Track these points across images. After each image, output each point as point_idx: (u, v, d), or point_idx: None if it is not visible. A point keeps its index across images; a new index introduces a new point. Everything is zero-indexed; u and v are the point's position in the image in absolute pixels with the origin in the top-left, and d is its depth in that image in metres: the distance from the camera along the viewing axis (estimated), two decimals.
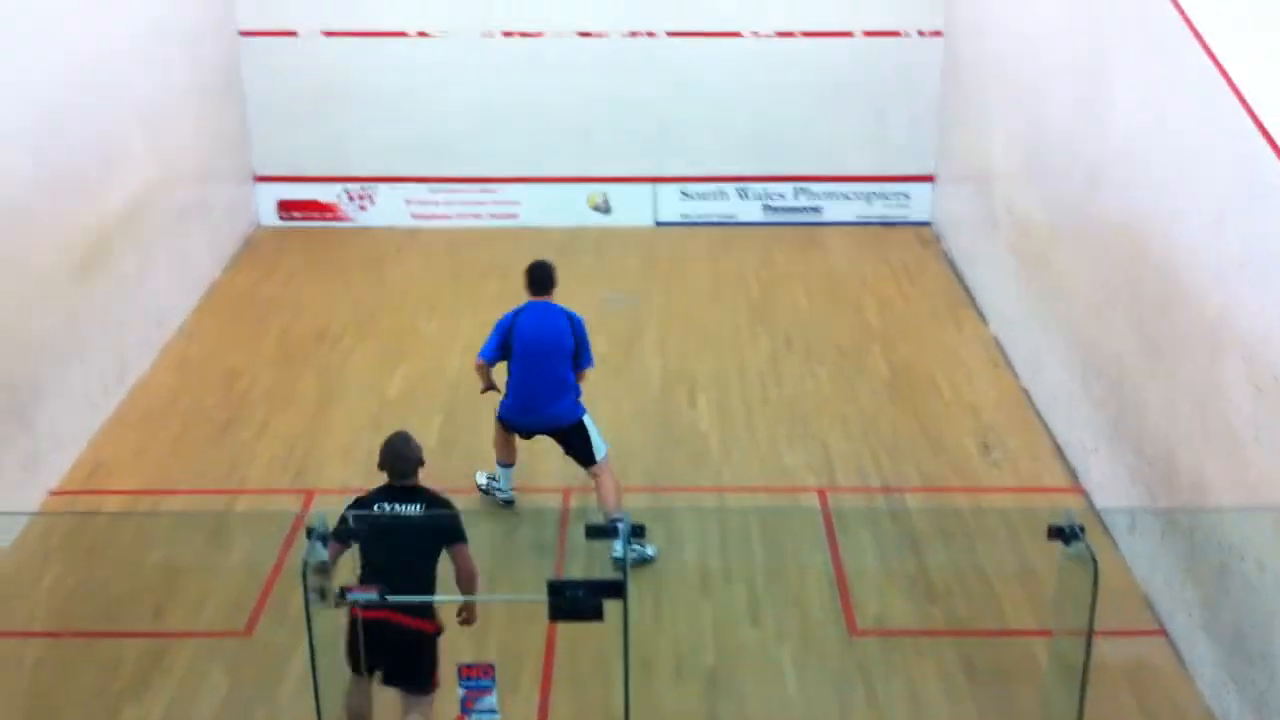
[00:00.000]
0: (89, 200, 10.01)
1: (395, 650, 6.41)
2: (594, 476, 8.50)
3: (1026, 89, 10.80)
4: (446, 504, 6.72)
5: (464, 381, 10.71)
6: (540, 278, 8.56)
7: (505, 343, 8.41)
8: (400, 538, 6.47)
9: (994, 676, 7.33)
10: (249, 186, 13.99)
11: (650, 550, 8.30)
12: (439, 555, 6.56)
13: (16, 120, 8.87)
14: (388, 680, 6.54)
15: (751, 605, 7.96)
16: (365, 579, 6.34)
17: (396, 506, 6.53)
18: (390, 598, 6.10)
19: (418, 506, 6.54)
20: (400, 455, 6.63)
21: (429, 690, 6.57)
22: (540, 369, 8.37)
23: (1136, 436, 8.20)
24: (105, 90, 10.28)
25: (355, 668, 6.45)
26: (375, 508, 6.51)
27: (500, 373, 8.60)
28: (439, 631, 6.57)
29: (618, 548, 7.21)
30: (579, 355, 8.46)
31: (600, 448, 8.47)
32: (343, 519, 6.34)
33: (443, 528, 6.54)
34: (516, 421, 8.59)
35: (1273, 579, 6.39)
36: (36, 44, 9.13)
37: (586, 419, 8.50)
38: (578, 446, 8.48)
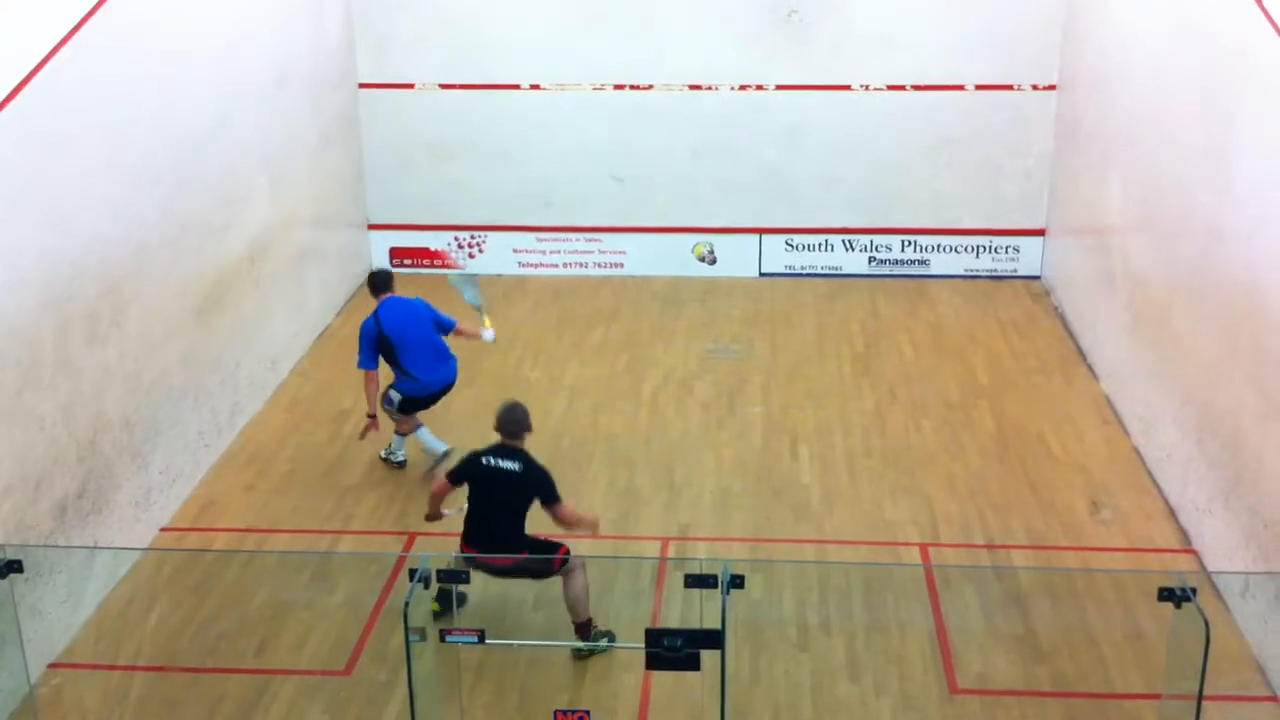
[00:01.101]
0: (211, 244, 10.30)
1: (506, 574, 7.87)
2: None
3: (1144, 142, 10.64)
4: (544, 467, 7.82)
5: (566, 431, 10.80)
6: (382, 280, 10.14)
7: (379, 345, 9.76)
8: (502, 488, 7.69)
9: None
10: (363, 233, 14.29)
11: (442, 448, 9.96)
12: (529, 507, 7.73)
13: (146, 167, 9.17)
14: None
15: (850, 661, 7.85)
16: (469, 517, 7.78)
17: (499, 461, 7.72)
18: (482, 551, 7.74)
19: (516, 464, 7.69)
20: (510, 418, 7.84)
21: (557, 570, 7.77)
22: (417, 347, 9.81)
23: (1252, 498, 7.97)
24: (230, 138, 10.60)
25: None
26: (483, 460, 7.74)
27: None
28: (530, 551, 7.76)
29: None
30: (442, 321, 9.98)
31: None
32: (460, 463, 7.91)
33: (535, 486, 7.71)
34: (423, 394, 9.95)
35: None
36: (166, 92, 9.44)
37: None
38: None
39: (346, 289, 13.72)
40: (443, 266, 14.41)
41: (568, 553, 7.78)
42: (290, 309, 11.99)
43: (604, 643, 7.86)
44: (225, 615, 8.30)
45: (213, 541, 9.21)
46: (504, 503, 7.71)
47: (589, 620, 7.84)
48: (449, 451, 9.95)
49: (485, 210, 14.25)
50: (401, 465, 10.21)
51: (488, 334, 10.36)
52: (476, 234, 14.34)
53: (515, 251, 14.35)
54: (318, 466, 10.21)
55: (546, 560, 7.73)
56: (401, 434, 10.21)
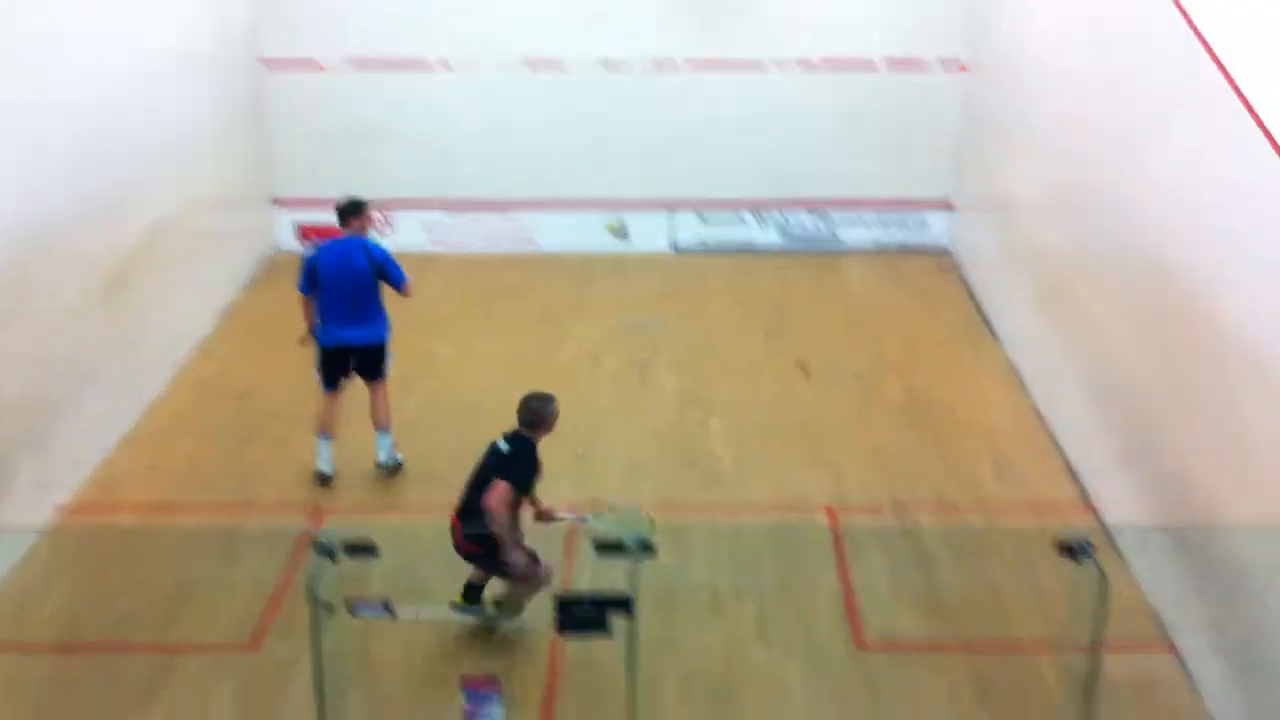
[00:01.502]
0: (115, 225, 10.11)
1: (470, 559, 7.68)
2: (375, 391, 9.61)
3: (1049, 119, 10.78)
4: (529, 452, 7.53)
5: (483, 405, 10.72)
6: (345, 211, 9.49)
7: (312, 277, 9.35)
8: (485, 467, 7.53)
9: (1003, 692, 7.26)
10: (269, 210, 14.11)
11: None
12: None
13: (44, 149, 8.98)
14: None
15: (760, 624, 7.91)
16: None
17: (500, 443, 7.56)
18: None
19: (508, 446, 7.50)
20: (525, 406, 7.60)
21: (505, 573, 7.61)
22: (343, 298, 9.33)
23: (1151, 459, 8.14)
24: (134, 118, 10.41)
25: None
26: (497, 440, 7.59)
27: None
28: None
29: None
30: (386, 278, 9.38)
31: (389, 365, 9.67)
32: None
33: (506, 463, 7.44)
34: (332, 344, 9.45)
35: None
36: (63, 74, 9.24)
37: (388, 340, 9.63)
38: (374, 365, 9.59)
39: (252, 266, 13.56)
40: None
41: (535, 571, 7.57)
42: (194, 288, 11.81)
43: (510, 620, 7.73)
44: (128, 594, 8.17)
45: (115, 521, 9.06)
46: (483, 482, 7.44)
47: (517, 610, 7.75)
48: (325, 477, 9.46)
49: (396, 187, 14.12)
50: (388, 469, 9.63)
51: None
52: (386, 211, 14.20)
53: (426, 229, 14.25)
54: (222, 445, 10.08)
55: (500, 563, 7.51)
56: (319, 434, 9.54)
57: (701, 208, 14.25)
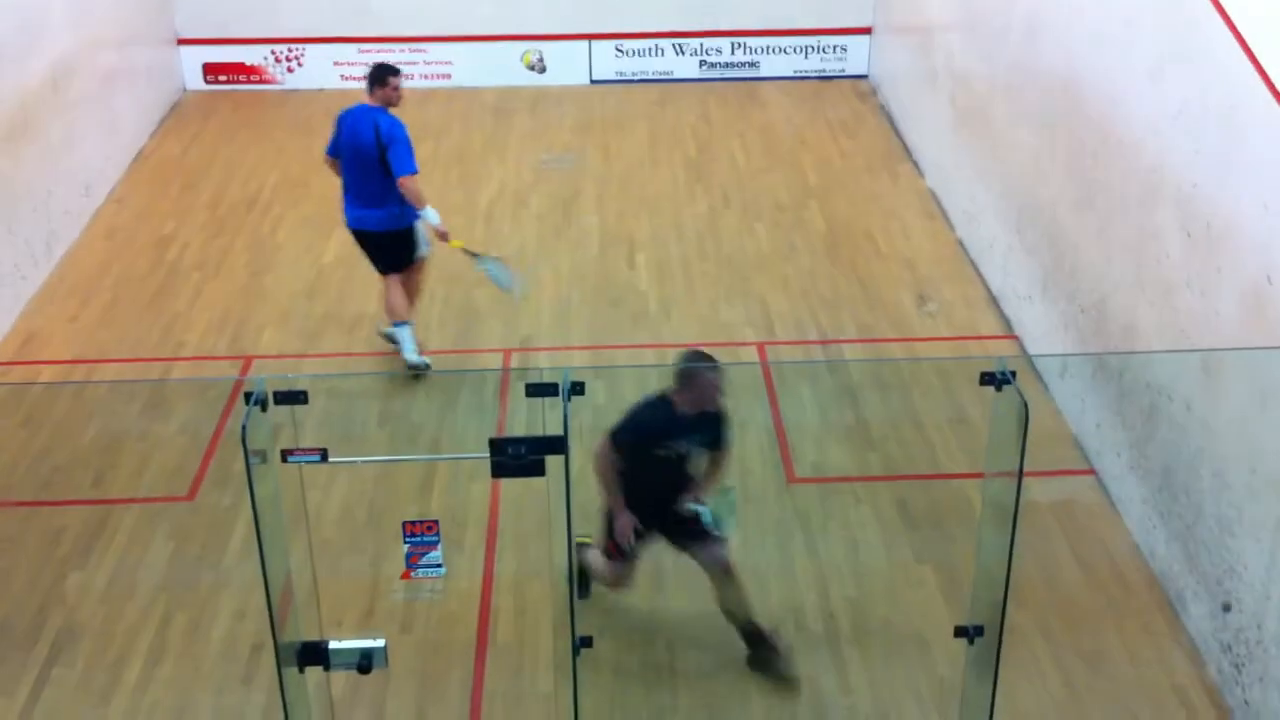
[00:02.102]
0: (11, 69, 9.72)
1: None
2: (385, 284, 8.77)
3: None
4: (648, 412, 6.41)
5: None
6: (373, 74, 8.52)
7: (337, 141, 8.57)
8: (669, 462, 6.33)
9: (929, 518, 7.51)
10: (173, 49, 13.62)
11: (424, 361, 8.61)
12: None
13: None
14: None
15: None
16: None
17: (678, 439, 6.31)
18: None
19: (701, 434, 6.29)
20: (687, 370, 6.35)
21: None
22: (354, 173, 8.48)
23: (1069, 284, 8.30)
24: None
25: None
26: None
27: None
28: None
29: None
30: (389, 162, 8.33)
31: (421, 247, 8.76)
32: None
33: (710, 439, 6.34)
34: (350, 226, 8.71)
35: (1199, 419, 6.55)
36: None
37: (417, 226, 8.64)
38: (393, 254, 8.69)
39: (159, 109, 13.15)
40: (260, 83, 13.88)
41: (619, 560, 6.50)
42: (101, 133, 11.45)
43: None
44: (58, 449, 8.11)
45: (39, 375, 8.93)
46: (676, 469, 6.39)
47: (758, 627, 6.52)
48: (417, 366, 8.68)
49: (302, 21, 13.68)
50: (415, 371, 8.70)
51: (504, 280, 8.89)
52: (294, 47, 13.80)
53: (336, 64, 13.85)
54: (142, 294, 9.92)
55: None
56: (395, 322, 8.75)
57: (619, 39, 13.98)
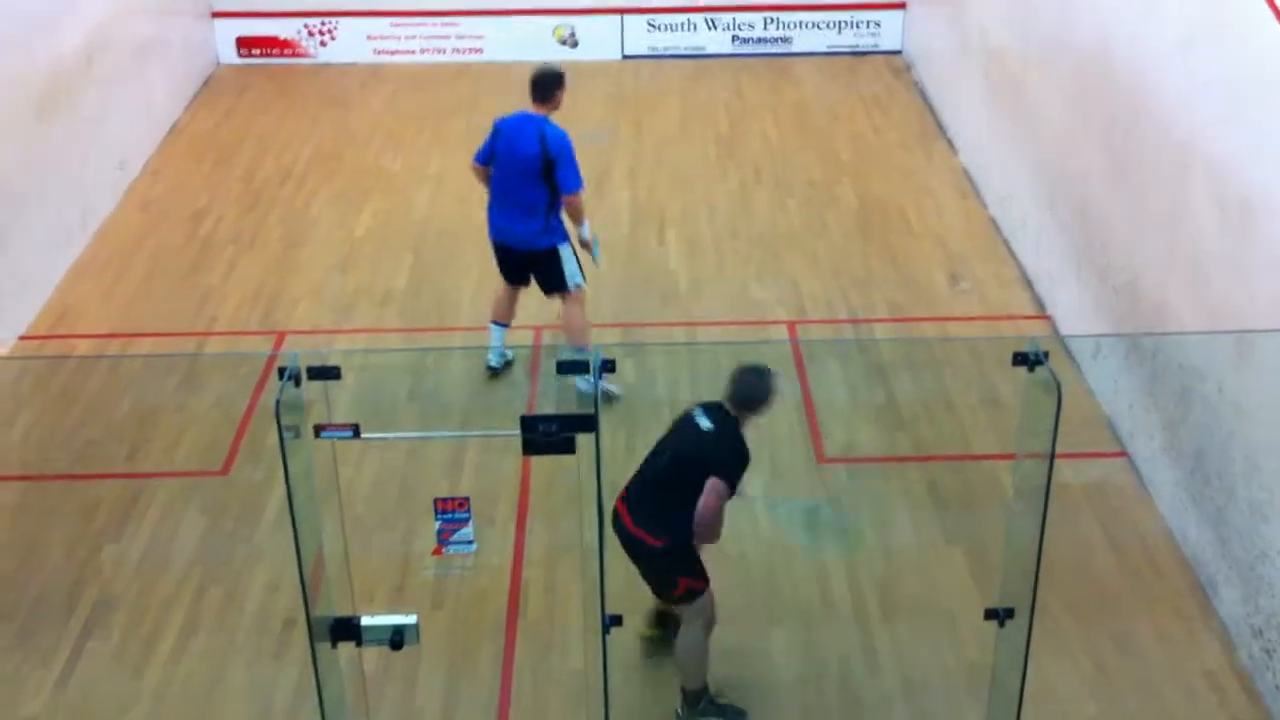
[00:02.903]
0: (44, 41, 9.75)
1: (633, 554, 5.97)
2: (562, 307, 8.36)
3: None
4: (742, 446, 5.88)
5: (432, 219, 10.68)
6: (533, 85, 8.01)
7: (491, 148, 8.10)
8: (679, 442, 5.95)
9: (959, 499, 7.50)
10: (207, 23, 13.66)
11: (615, 389, 8.20)
12: (697, 483, 5.75)
13: None
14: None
15: None
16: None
17: (698, 417, 5.90)
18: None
19: (711, 427, 5.84)
20: (739, 379, 5.93)
21: (674, 599, 6.05)
22: (508, 182, 8.05)
23: (1102, 263, 8.25)
24: None
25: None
26: (690, 411, 5.94)
27: None
28: (670, 545, 5.88)
29: (582, 383, 7.01)
30: (554, 176, 7.95)
31: (574, 277, 8.24)
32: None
33: (717, 455, 5.80)
34: (492, 235, 8.28)
35: (1231, 401, 6.51)
36: None
37: (563, 249, 8.18)
38: (546, 273, 8.25)
39: (193, 82, 13.19)
40: (293, 56, 13.90)
41: (703, 591, 5.98)
42: (135, 106, 11.50)
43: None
44: (93, 422, 8.18)
45: (74, 348, 9.00)
46: (676, 467, 5.90)
47: (701, 689, 6.10)
48: (491, 369, 8.55)
49: None
50: (491, 371, 8.54)
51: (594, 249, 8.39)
52: (327, 20, 13.80)
53: (369, 38, 13.86)
54: (178, 268, 9.97)
55: (670, 573, 5.96)
56: (492, 320, 8.52)
57: (651, 14, 13.93)
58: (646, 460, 6.05)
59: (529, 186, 7.97)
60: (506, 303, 8.49)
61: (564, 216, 8.19)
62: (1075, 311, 8.74)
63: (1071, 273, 8.79)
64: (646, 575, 6.02)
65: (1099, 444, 7.89)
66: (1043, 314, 9.26)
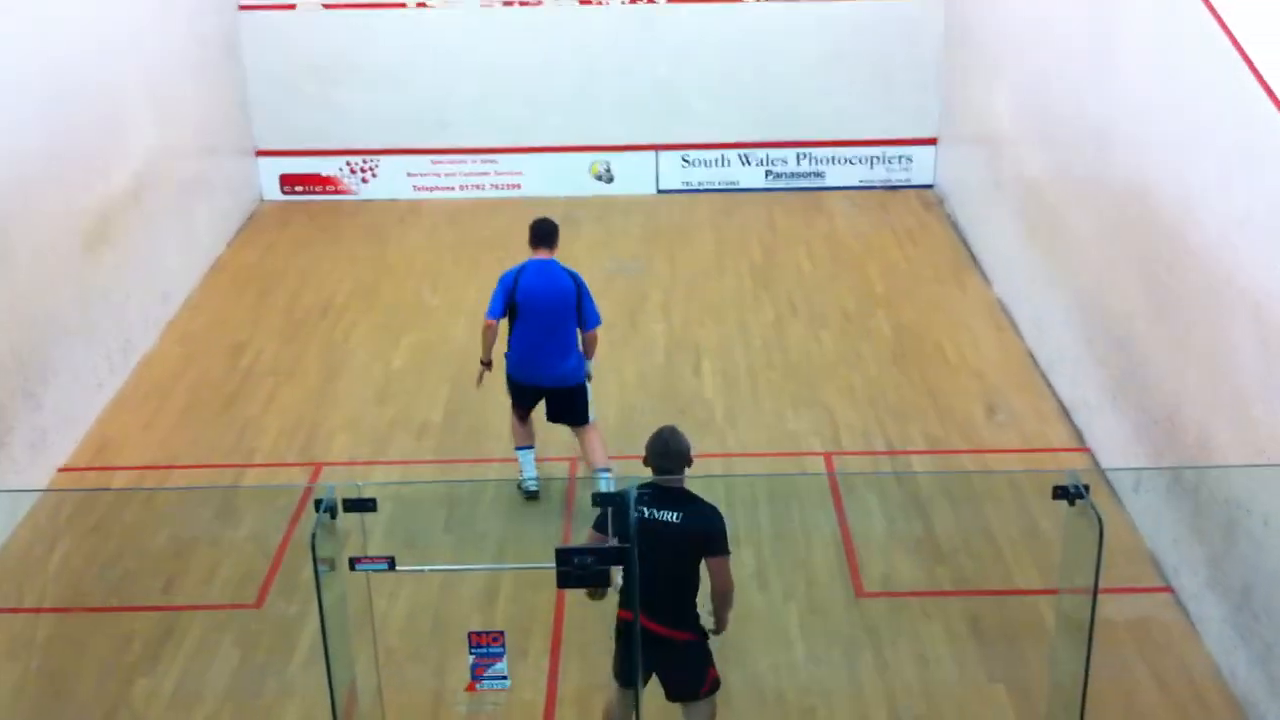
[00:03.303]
0: (95, 176, 10.01)
1: (659, 658, 6.03)
2: (583, 435, 8.58)
3: (1032, 49, 10.74)
4: (713, 511, 6.02)
5: (470, 353, 10.72)
6: (543, 233, 8.43)
7: (510, 301, 8.32)
8: (660, 544, 5.83)
9: (1001, 635, 7.36)
10: (251, 160, 13.99)
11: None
12: (699, 563, 5.99)
13: (23, 98, 8.86)
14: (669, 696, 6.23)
15: (759, 569, 7.97)
16: (627, 581, 5.78)
17: (656, 512, 5.91)
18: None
19: (677, 515, 5.91)
20: (666, 451, 6.04)
21: (701, 695, 6.16)
22: (544, 327, 8.31)
23: (1142, 395, 8.20)
24: (108, 66, 10.27)
25: (625, 681, 6.15)
26: (635, 509, 5.62)
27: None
28: (698, 638, 6.10)
29: (603, 483, 7.65)
30: (582, 314, 8.36)
31: (593, 409, 8.60)
32: (605, 509, 5.81)
33: (704, 536, 5.94)
34: (522, 379, 8.49)
35: (1279, 534, 6.40)
36: (40, 21, 9.11)
37: (589, 384, 8.55)
38: (575, 407, 8.51)
39: (237, 218, 13.46)
40: (335, 193, 14.19)
41: (718, 680, 6.23)
42: (179, 241, 11.73)
43: None
44: (129, 554, 8.19)
45: (112, 480, 9.06)
46: (666, 562, 5.90)
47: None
48: (532, 493, 8.64)
49: (377, 133, 14.00)
50: (532, 495, 8.64)
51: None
52: (369, 158, 14.11)
53: (409, 175, 14.15)
54: (216, 400, 10.06)
55: (700, 666, 6.13)
56: (520, 447, 8.70)
57: (685, 149, 14.18)
58: (645, 569, 5.64)
59: (564, 326, 8.32)
60: (528, 427, 8.70)
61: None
62: (1115, 443, 8.67)
63: (1110, 404, 8.74)
64: (674, 676, 6.09)
65: (1142, 579, 7.76)
66: (1082, 446, 9.19)
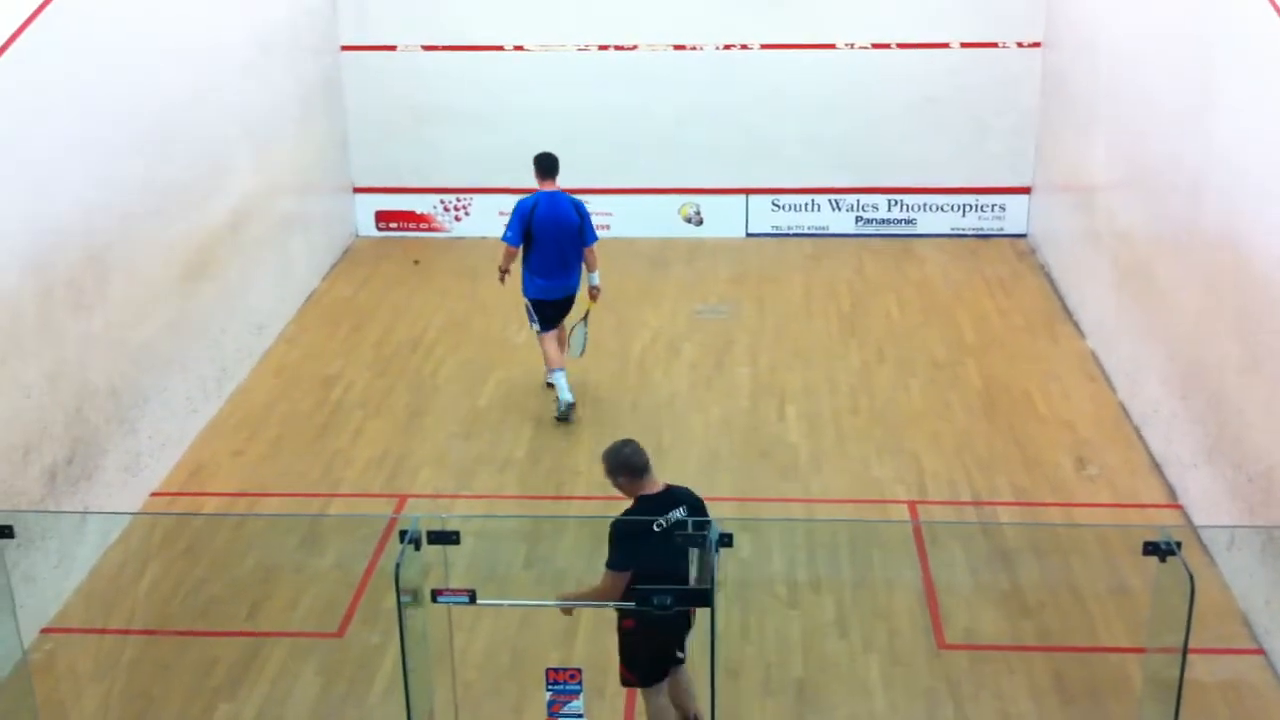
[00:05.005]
0: (195, 210, 10.25)
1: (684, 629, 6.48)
2: (565, 330, 10.52)
3: (1129, 99, 10.63)
4: (691, 492, 6.56)
5: (554, 392, 10.82)
6: (548, 165, 10.15)
7: (526, 230, 9.99)
8: (672, 542, 6.07)
9: (1087, 693, 7.22)
10: (348, 197, 14.25)
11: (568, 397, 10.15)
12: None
13: (128, 133, 9.11)
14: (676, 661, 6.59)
15: (839, 617, 7.91)
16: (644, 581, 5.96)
17: (672, 513, 6.31)
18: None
19: (682, 510, 6.33)
20: (645, 463, 6.43)
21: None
22: (558, 250, 10.08)
23: (1237, 451, 8.03)
24: (212, 103, 10.53)
25: (659, 676, 6.53)
26: (655, 525, 6.21)
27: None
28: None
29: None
30: (584, 235, 10.15)
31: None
32: (622, 541, 6.23)
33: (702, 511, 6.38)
34: (547, 296, 10.22)
35: None
36: (147, 57, 9.37)
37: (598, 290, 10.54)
38: (569, 308, 10.45)
39: (332, 254, 13.70)
40: (428, 230, 14.39)
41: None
42: (276, 274, 11.96)
43: None
44: (216, 579, 8.32)
45: (202, 506, 9.23)
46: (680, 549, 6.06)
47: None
48: (572, 404, 10.18)
49: (470, 172, 14.20)
50: (564, 415, 10.15)
51: (574, 347, 10.62)
52: (462, 197, 14.30)
53: (501, 214, 14.14)
54: (306, 431, 10.22)
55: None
56: (551, 368, 10.31)
57: (775, 194, 14.19)
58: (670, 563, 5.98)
59: (573, 247, 10.17)
60: (559, 349, 10.38)
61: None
62: (1208, 500, 8.49)
63: (1204, 460, 8.57)
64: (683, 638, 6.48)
65: (1234, 639, 7.57)
66: (1174, 502, 9.01)
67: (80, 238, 8.45)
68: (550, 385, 10.41)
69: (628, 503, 6.47)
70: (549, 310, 10.28)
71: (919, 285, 12.94)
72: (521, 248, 10.12)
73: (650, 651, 6.50)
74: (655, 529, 6.21)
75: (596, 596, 6.42)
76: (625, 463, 6.40)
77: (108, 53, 8.82)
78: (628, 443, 6.47)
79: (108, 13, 8.79)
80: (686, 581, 6.02)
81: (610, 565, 6.23)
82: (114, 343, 8.89)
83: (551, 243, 10.04)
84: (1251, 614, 7.67)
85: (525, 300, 10.32)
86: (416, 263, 11.90)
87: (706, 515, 6.28)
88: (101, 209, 8.73)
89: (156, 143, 9.55)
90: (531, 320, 10.36)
